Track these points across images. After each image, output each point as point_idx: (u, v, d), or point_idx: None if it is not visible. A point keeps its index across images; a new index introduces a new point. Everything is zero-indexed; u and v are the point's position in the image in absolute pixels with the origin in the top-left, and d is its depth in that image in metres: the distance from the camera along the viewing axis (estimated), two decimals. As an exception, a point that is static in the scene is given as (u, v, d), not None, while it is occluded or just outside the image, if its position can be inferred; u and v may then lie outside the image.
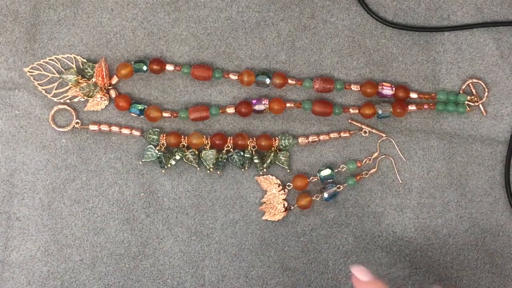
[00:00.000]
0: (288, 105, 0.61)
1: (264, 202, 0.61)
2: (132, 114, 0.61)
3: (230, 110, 0.61)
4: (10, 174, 0.61)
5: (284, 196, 0.61)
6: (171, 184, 0.61)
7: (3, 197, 0.61)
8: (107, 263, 0.61)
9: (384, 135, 0.61)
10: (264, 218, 0.61)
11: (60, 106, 0.61)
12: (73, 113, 0.61)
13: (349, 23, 0.62)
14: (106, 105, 0.61)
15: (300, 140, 0.61)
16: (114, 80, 0.61)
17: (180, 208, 0.61)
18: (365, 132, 0.61)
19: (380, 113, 0.60)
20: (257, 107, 0.61)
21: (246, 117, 0.62)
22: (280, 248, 0.62)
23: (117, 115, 0.62)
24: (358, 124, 0.62)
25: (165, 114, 0.61)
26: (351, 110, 0.61)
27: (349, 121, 0.62)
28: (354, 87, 0.61)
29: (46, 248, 0.61)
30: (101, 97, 0.61)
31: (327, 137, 0.61)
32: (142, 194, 0.61)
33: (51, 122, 0.61)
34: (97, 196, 0.61)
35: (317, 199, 0.61)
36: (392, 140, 0.62)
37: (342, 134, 0.61)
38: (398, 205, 0.62)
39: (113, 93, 0.61)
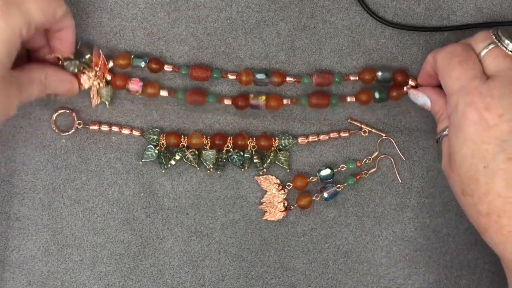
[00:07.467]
0: (285, 101, 0.61)
1: (264, 202, 0.61)
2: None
3: (228, 101, 0.60)
4: (10, 174, 0.61)
5: (284, 196, 0.61)
6: (171, 184, 0.61)
7: (3, 197, 0.61)
8: (107, 263, 0.61)
9: (384, 135, 0.61)
10: (264, 218, 0.61)
11: (60, 111, 0.61)
12: (74, 115, 0.61)
13: (349, 23, 0.62)
14: (107, 104, 0.61)
15: (300, 140, 0.61)
16: (110, 65, 0.60)
17: (180, 208, 0.62)
18: (364, 132, 0.61)
19: (377, 97, 0.60)
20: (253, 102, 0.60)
21: (246, 118, 0.62)
22: (280, 248, 0.62)
23: (117, 115, 0.62)
24: (358, 124, 0.62)
25: (162, 93, 0.60)
26: (348, 99, 0.60)
27: (349, 120, 0.62)
28: (352, 77, 0.60)
29: (46, 248, 0.61)
30: (99, 83, 0.59)
31: (327, 137, 0.61)
32: (142, 194, 0.61)
33: (53, 126, 0.61)
34: (97, 196, 0.61)
35: (317, 199, 0.61)
36: (392, 140, 0.62)
37: (342, 134, 0.61)
38: (398, 205, 0.62)
39: (109, 76, 0.60)
